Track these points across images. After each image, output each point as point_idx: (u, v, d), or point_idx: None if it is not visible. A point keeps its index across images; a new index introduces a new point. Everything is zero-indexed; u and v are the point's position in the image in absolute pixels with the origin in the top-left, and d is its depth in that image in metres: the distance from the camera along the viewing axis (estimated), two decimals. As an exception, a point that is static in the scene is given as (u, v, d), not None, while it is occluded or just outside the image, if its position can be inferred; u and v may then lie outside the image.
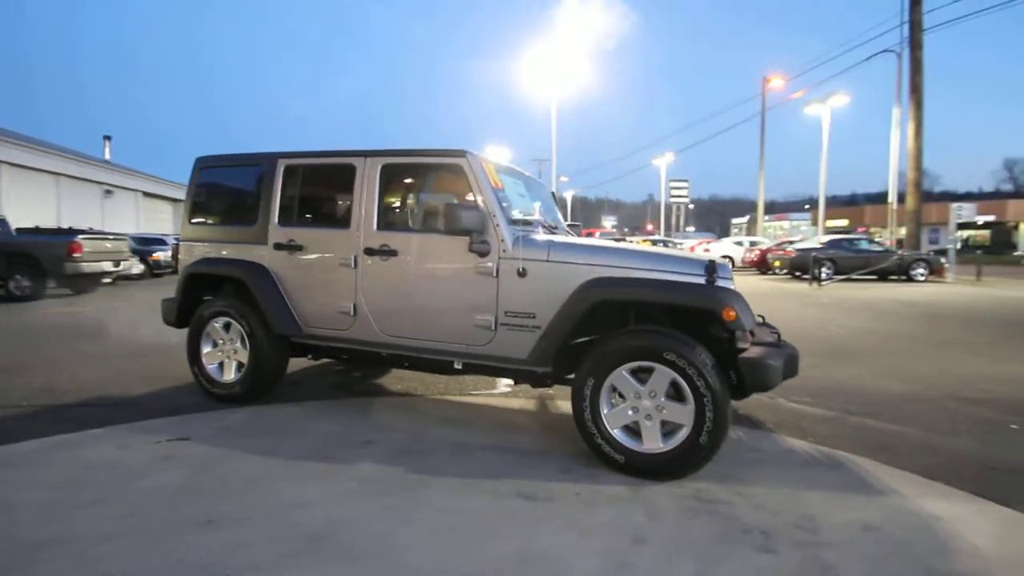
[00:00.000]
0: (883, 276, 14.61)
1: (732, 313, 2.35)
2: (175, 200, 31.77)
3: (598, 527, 2.09)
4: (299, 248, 3.34)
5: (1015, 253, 32.70)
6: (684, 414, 2.43)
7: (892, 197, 18.41)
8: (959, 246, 15.30)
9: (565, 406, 3.64)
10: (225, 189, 3.89)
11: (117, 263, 12.39)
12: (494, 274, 2.85)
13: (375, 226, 3.14)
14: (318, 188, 3.48)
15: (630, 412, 2.54)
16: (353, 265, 3.17)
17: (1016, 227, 37.86)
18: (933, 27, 16.87)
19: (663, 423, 2.49)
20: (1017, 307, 9.45)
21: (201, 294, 3.78)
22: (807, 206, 61.45)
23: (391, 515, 2.16)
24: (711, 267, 2.61)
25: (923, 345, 5.92)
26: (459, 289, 2.94)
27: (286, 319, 3.33)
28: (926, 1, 15.89)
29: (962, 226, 21.92)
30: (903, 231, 17.24)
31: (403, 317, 3.09)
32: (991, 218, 35.35)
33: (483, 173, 2.93)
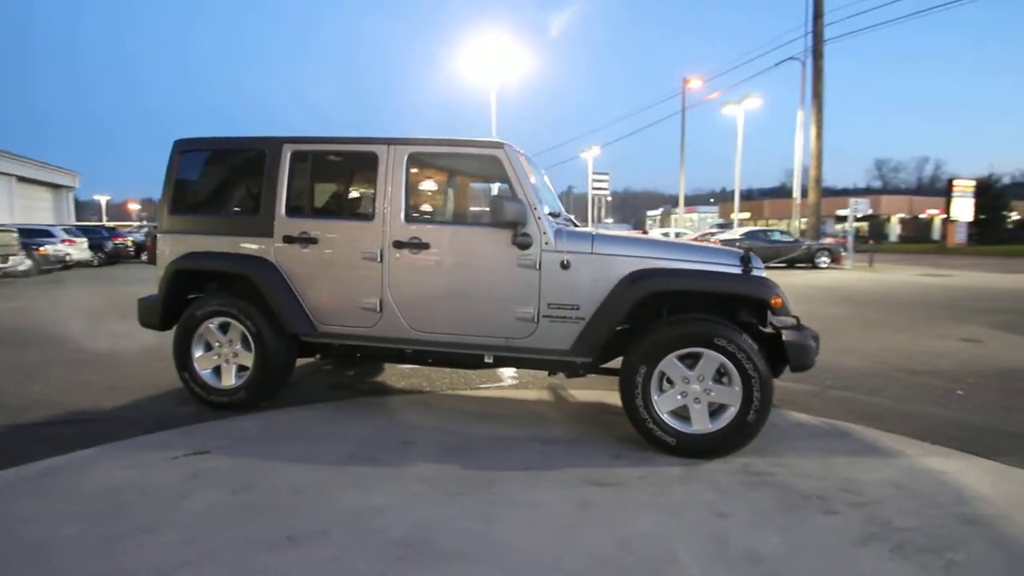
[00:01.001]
0: (791, 264, 16.17)
1: (779, 300, 2.54)
2: (57, 187, 28.00)
3: (679, 506, 2.19)
4: (313, 241, 3.11)
5: (889, 242, 37.41)
6: (731, 395, 2.59)
7: (796, 192, 20.37)
8: (849, 237, 17.26)
9: (579, 395, 3.74)
10: (214, 176, 3.52)
11: (4, 258, 10.81)
12: (536, 266, 2.85)
13: (403, 218, 3.00)
14: (332, 176, 3.27)
15: (679, 396, 2.66)
16: (379, 259, 3.02)
17: (888, 220, 43.30)
18: (833, 38, 18.75)
19: (709, 405, 2.64)
20: (913, 289, 10.86)
21: (186, 292, 3.42)
22: (712, 200, 66.50)
23: (474, 513, 2.12)
24: (746, 258, 2.78)
25: (853, 325, 6.66)
26: (499, 282, 2.90)
27: (299, 317, 3.11)
28: (827, 15, 17.56)
29: (841, 219, 24.72)
30: (802, 223, 19.18)
31: (436, 312, 2.99)
32: (869, 212, 40.11)
33: (520, 165, 2.90)
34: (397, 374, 4.17)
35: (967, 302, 8.63)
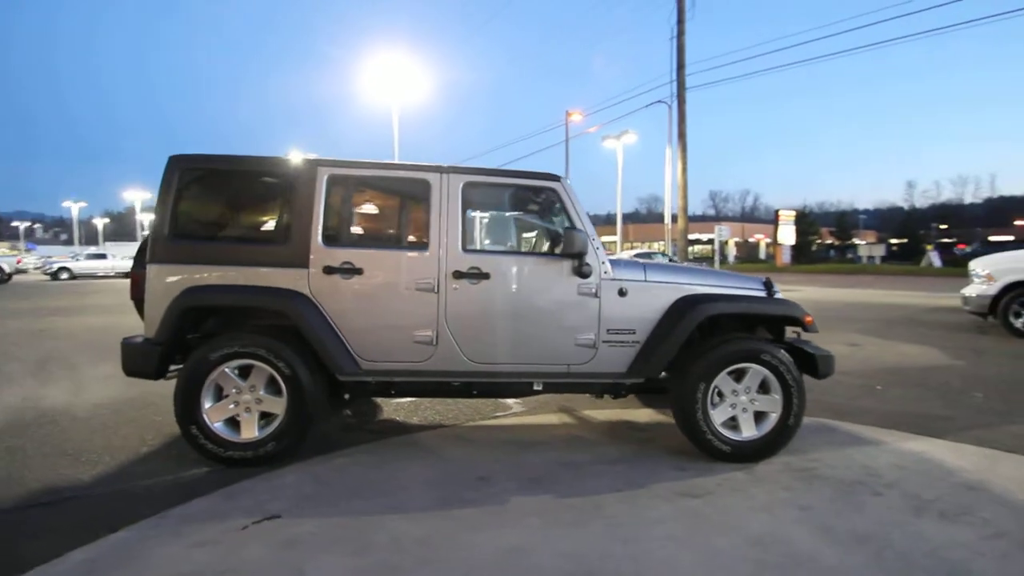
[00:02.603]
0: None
1: (810, 319, 2.99)
2: None
3: (769, 505, 2.46)
4: (357, 272, 2.90)
5: (729, 262, 43.57)
6: (774, 404, 2.96)
7: (667, 219, 22.97)
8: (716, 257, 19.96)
9: (596, 415, 3.91)
10: (227, 199, 3.10)
11: None
12: (596, 294, 2.99)
13: (460, 248, 2.95)
14: (377, 204, 3.08)
15: (729, 408, 2.98)
16: (435, 290, 2.92)
17: (726, 243, 50.51)
18: (695, 87, 21.66)
19: (755, 414, 2.99)
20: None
21: (185, 333, 2.95)
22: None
23: (610, 539, 2.17)
24: (768, 283, 3.22)
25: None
26: (561, 310, 2.98)
27: (343, 355, 2.86)
28: (689, 66, 20.31)
29: (692, 241, 28.38)
30: (659, 245, 21.66)
31: (497, 342, 2.97)
32: (711, 235, 46.50)
33: (576, 197, 3.04)
34: (400, 410, 3.96)
35: (828, 313, 10.47)
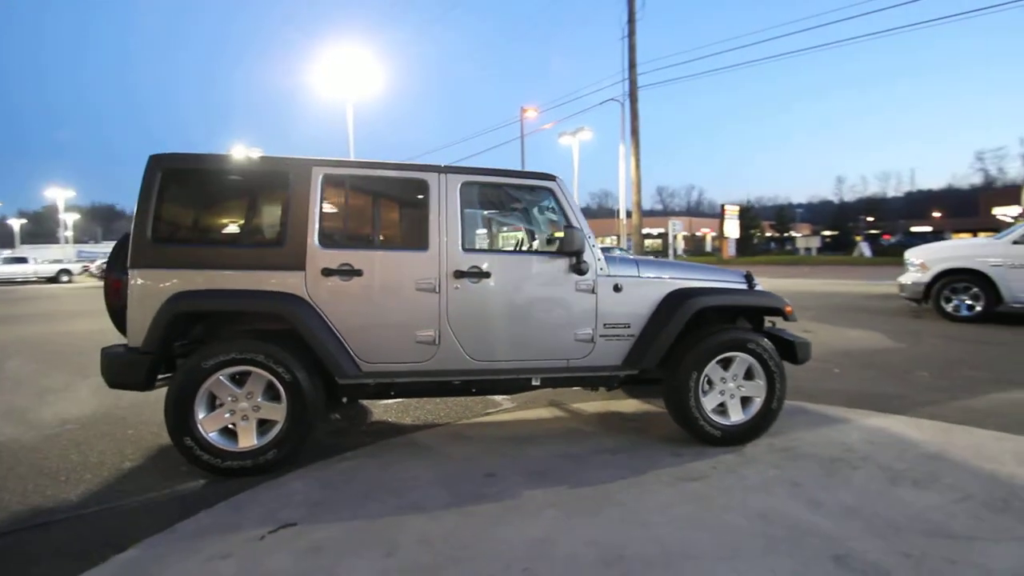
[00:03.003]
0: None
1: (790, 309, 3.20)
2: None
3: (765, 485, 2.63)
4: (356, 273, 2.87)
5: (678, 255, 45.23)
6: (758, 389, 3.16)
7: (623, 214, 23.62)
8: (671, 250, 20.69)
9: (584, 407, 4.03)
10: (213, 200, 2.97)
11: None
12: (593, 290, 3.09)
13: (460, 247, 2.97)
14: (374, 204, 3.03)
15: (718, 395, 3.15)
16: (436, 290, 2.93)
17: (676, 237, 52.36)
18: (645, 85, 22.27)
19: (742, 399, 3.17)
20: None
21: (172, 340, 2.82)
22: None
23: (629, 523, 2.27)
24: (749, 276, 3.42)
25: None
26: (561, 307, 3.06)
27: (344, 359, 2.83)
28: (640, 66, 20.85)
29: (644, 236, 29.36)
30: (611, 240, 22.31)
31: (498, 340, 3.01)
32: (662, 229, 48.10)
33: (572, 196, 3.12)
34: (390, 411, 3.93)
35: (775, 301, 11.11)
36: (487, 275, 2.99)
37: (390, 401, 4.03)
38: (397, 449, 3.18)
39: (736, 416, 3.15)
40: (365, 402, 4.04)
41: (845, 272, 21.91)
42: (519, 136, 26.91)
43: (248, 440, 2.77)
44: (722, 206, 36.22)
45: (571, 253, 2.98)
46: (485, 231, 3.28)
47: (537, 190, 3.16)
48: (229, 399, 2.76)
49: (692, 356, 3.07)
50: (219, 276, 2.80)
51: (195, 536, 2.16)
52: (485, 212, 3.35)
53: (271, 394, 2.80)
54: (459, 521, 2.29)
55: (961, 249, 7.69)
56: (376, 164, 2.99)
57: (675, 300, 3.13)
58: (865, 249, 33.89)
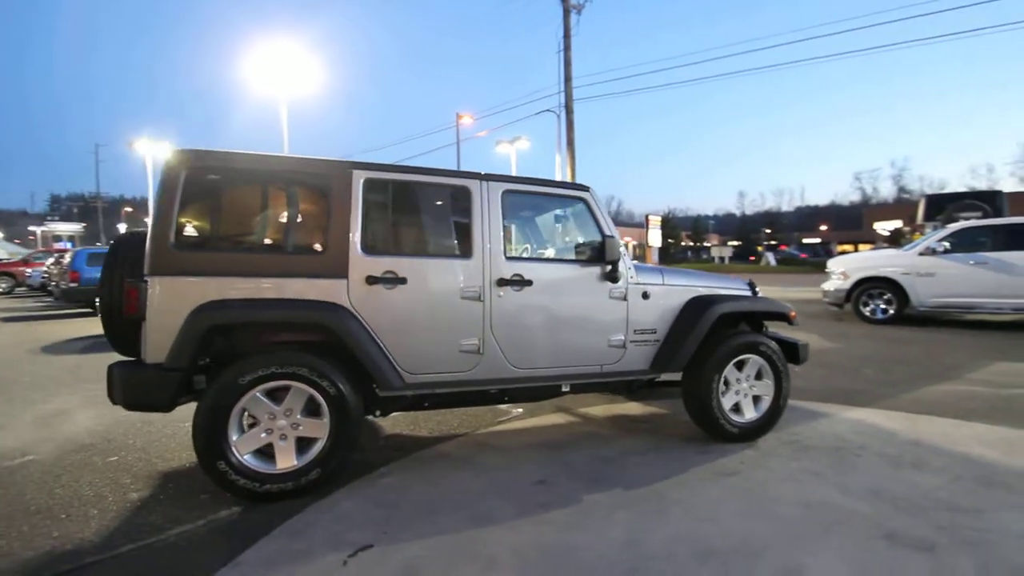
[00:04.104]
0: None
1: (794, 315, 3.51)
2: None
3: (792, 475, 2.88)
4: (401, 281, 2.78)
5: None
6: (768, 388, 3.44)
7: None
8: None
9: (592, 411, 4.14)
10: (245, 202, 2.74)
11: None
12: (624, 298, 3.21)
13: (504, 255, 2.97)
14: (417, 210, 2.95)
15: (734, 395, 3.39)
16: (480, 298, 2.91)
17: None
18: (581, 99, 23.09)
19: (753, 398, 3.44)
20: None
21: (201, 355, 2.58)
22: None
23: (697, 519, 2.39)
24: (752, 283, 3.71)
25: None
26: (597, 314, 3.15)
27: (391, 370, 2.73)
28: (576, 79, 21.61)
29: None
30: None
31: (539, 347, 3.04)
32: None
33: (603, 207, 3.23)
34: (398, 424, 3.82)
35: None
36: (529, 283, 3.01)
37: (398, 414, 3.90)
38: (433, 462, 3.10)
39: (750, 414, 3.40)
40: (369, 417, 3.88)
41: (758, 279, 23.91)
42: (455, 142, 26.83)
43: (287, 461, 2.58)
44: (646, 216, 38.20)
45: (610, 262, 3.09)
46: (523, 239, 3.30)
47: (571, 200, 3.24)
48: (267, 417, 2.56)
49: (715, 359, 3.28)
50: (256, 284, 2.60)
51: (268, 566, 2.00)
52: (519, 220, 3.38)
53: (309, 410, 2.63)
54: (538, 530, 2.29)
55: (876, 260, 8.75)
56: (417, 169, 2.93)
57: (699, 306, 3.33)
58: (770, 258, 37.26)
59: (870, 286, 8.54)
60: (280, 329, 2.69)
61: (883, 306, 8.46)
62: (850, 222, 53.22)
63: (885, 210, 45.73)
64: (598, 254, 3.11)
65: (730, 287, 3.64)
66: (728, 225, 78.46)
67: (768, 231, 63.22)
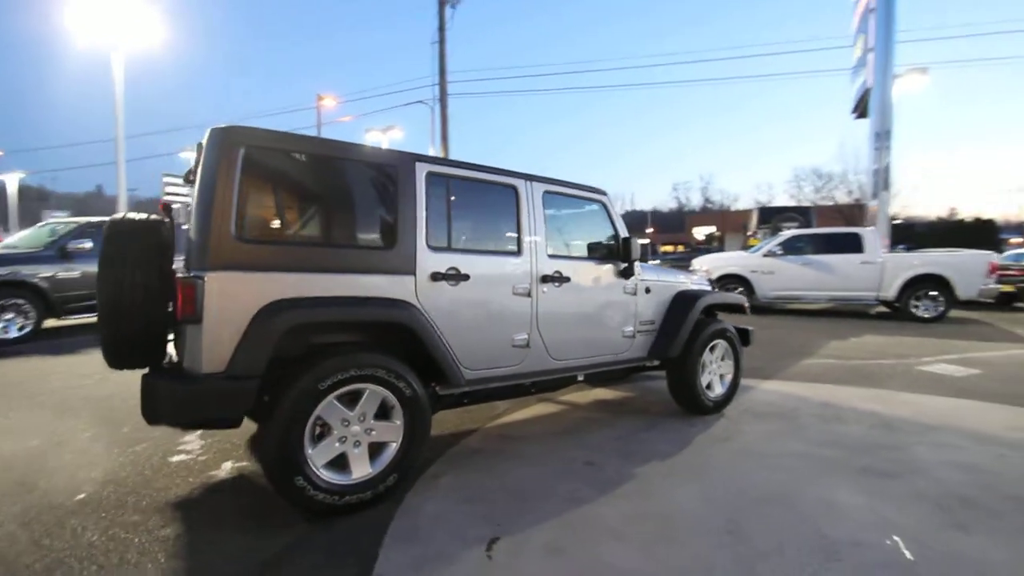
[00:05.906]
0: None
1: (748, 305, 4.25)
2: None
3: (768, 436, 3.55)
4: (464, 278, 2.78)
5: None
6: (729, 367, 4.13)
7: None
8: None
9: (576, 399, 4.50)
10: (307, 190, 2.43)
11: None
12: (634, 293, 3.60)
13: (547, 253, 3.13)
14: (472, 206, 2.92)
15: (708, 375, 4.01)
16: (529, 294, 3.03)
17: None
18: (455, 94, 23.15)
19: (719, 376, 4.10)
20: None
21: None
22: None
23: (735, 477, 2.87)
24: (712, 280, 4.39)
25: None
26: (615, 307, 3.49)
27: (457, 368, 2.73)
28: (451, 74, 21.67)
29: None
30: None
31: (573, 340, 3.27)
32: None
33: (616, 209, 3.57)
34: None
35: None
36: (567, 279, 3.22)
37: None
38: (472, 457, 3.14)
39: (719, 390, 4.06)
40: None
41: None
42: (316, 124, 24.97)
43: (363, 469, 2.45)
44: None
45: (632, 260, 3.45)
46: (557, 238, 3.46)
47: (590, 201, 3.51)
48: (341, 424, 2.39)
49: (698, 344, 3.84)
50: (328, 281, 2.39)
51: (414, 570, 1.93)
52: (550, 220, 3.53)
53: (385, 414, 2.52)
54: (628, 503, 2.55)
55: (733, 259, 10.59)
56: (471, 166, 2.94)
57: (686, 300, 3.87)
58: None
59: (728, 282, 10.30)
60: (356, 329, 2.51)
61: (738, 298, 10.29)
62: (672, 226, 61.75)
63: (703, 217, 54.13)
64: (618, 252, 3.44)
65: (700, 283, 4.27)
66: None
67: (606, 232, 69.91)
